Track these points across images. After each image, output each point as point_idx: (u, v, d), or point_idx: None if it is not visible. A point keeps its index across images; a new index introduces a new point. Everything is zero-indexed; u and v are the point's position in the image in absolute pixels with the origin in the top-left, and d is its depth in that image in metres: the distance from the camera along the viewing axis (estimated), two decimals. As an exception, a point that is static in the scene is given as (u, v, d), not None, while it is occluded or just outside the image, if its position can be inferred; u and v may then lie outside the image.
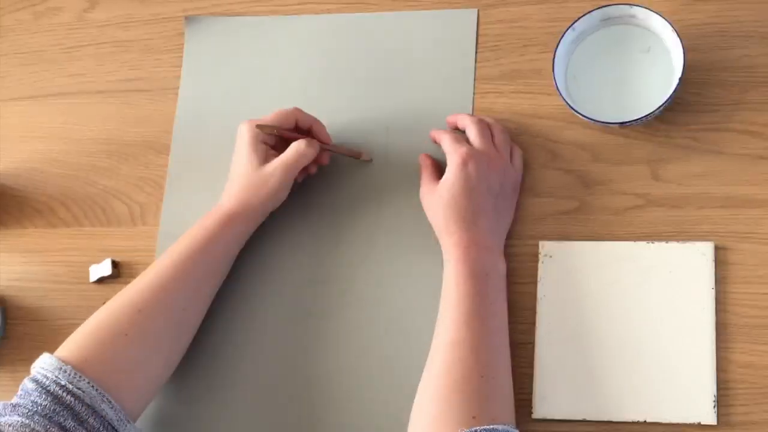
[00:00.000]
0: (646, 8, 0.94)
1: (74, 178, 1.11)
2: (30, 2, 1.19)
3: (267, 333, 1.00)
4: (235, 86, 1.09)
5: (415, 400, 0.87)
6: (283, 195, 1.00)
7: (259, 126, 0.98)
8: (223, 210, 0.98)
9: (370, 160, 1.03)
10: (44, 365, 0.87)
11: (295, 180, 1.01)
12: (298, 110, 1.00)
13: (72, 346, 0.89)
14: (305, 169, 1.02)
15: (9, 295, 1.08)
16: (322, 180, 1.03)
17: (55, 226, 1.10)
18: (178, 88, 1.11)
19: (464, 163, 0.94)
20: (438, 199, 0.94)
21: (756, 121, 0.95)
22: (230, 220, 0.97)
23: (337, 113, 1.05)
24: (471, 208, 0.93)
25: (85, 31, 1.16)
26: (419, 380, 0.88)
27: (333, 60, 1.08)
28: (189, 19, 1.12)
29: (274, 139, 1.01)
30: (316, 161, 1.02)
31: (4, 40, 1.18)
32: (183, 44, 1.12)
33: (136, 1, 1.15)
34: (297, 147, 0.98)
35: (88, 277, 1.06)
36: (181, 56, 1.12)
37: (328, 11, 1.09)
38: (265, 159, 0.99)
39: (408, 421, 0.86)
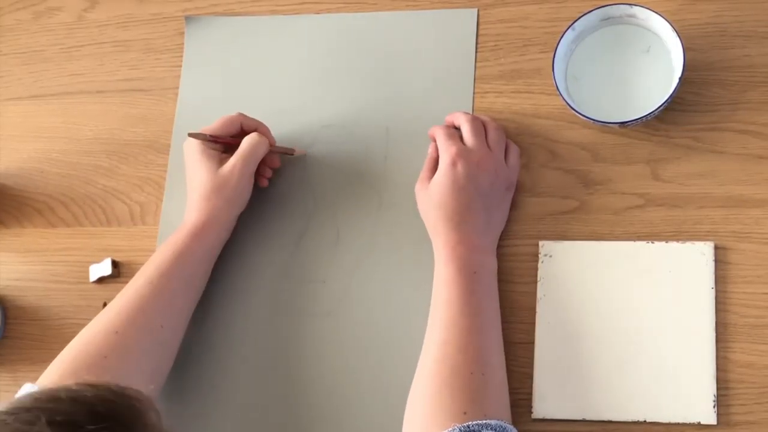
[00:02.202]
0: (646, 8, 0.94)
1: (74, 177, 1.11)
2: (30, 2, 1.19)
3: (266, 333, 1.00)
4: (235, 86, 1.09)
5: (408, 399, 0.87)
6: (247, 193, 0.99)
7: (191, 134, 0.97)
8: (190, 224, 0.97)
9: (305, 153, 1.03)
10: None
11: (260, 186, 1.01)
12: (242, 115, 1.00)
13: (52, 373, 0.88)
14: (263, 172, 1.01)
15: (9, 295, 1.08)
16: (321, 180, 1.04)
17: (55, 225, 1.10)
18: (178, 88, 1.11)
19: (453, 164, 0.93)
20: (428, 199, 0.94)
21: (755, 120, 0.95)
22: (199, 232, 0.96)
23: (337, 113, 1.05)
24: (459, 209, 0.93)
25: (85, 31, 1.16)
26: (418, 380, 0.88)
27: (333, 60, 1.08)
28: (189, 19, 1.12)
29: (220, 147, 1.00)
30: (269, 165, 1.02)
31: (4, 40, 1.18)
32: (183, 44, 1.12)
33: (136, 1, 1.15)
34: (250, 139, 0.98)
35: (88, 277, 1.06)
36: (181, 56, 1.12)
37: (328, 11, 1.09)
38: (220, 163, 0.98)
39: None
